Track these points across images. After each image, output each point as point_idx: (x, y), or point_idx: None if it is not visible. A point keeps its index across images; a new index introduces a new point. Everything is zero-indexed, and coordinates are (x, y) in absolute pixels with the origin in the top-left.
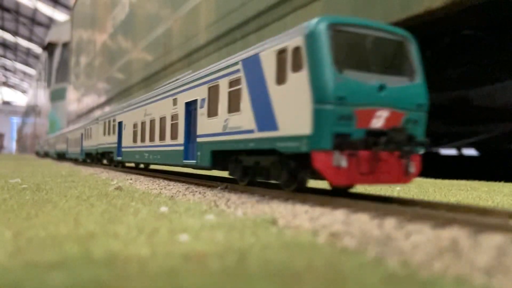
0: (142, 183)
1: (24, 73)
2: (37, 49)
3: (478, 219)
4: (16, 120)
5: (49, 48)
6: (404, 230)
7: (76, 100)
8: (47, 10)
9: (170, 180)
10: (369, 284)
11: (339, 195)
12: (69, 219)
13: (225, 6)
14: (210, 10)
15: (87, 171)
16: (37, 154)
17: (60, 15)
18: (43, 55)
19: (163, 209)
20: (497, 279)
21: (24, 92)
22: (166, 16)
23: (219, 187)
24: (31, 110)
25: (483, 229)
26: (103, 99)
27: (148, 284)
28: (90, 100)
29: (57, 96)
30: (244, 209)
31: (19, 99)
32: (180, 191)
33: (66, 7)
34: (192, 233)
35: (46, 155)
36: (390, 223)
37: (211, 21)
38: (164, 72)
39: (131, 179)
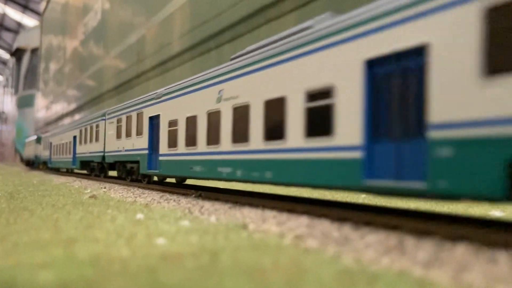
0: (116, 192)
1: None
2: (4, 55)
3: (422, 225)
4: None
5: (17, 54)
6: (360, 231)
7: (44, 107)
8: (15, 15)
9: (145, 188)
10: (325, 277)
11: (305, 202)
12: (48, 225)
13: (200, 16)
14: (185, 19)
15: (58, 180)
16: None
17: (29, 21)
18: (11, 61)
19: (139, 216)
20: (433, 271)
21: None
22: (140, 24)
23: (193, 195)
24: None
25: (428, 231)
26: (73, 106)
27: (131, 280)
28: (60, 107)
29: (24, 103)
30: (217, 215)
31: None
32: (155, 199)
33: (35, 12)
34: (168, 237)
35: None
36: (348, 226)
37: (186, 30)
38: (137, 80)
39: (105, 188)
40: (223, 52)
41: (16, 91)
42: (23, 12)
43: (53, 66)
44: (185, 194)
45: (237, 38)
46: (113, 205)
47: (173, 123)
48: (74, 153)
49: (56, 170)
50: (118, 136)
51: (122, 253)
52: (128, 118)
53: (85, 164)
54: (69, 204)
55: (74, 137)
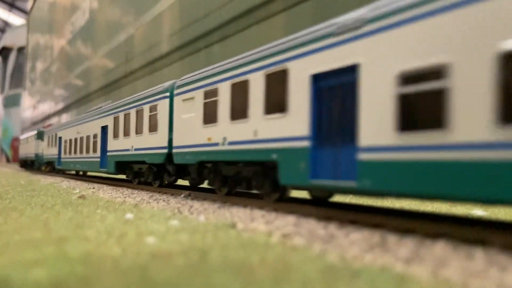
0: (105, 192)
1: None
2: None
3: (404, 223)
4: None
5: (3, 52)
6: (345, 230)
7: (31, 106)
8: (2, 13)
9: (134, 188)
10: (310, 273)
11: (293, 201)
12: (38, 225)
13: (189, 15)
14: (174, 19)
15: (46, 180)
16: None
17: (16, 19)
18: None
19: (129, 216)
20: (413, 267)
21: None
22: (128, 23)
23: (182, 195)
24: None
25: (410, 229)
26: (60, 106)
27: (122, 277)
28: (47, 107)
29: (11, 102)
30: (206, 215)
31: None
32: (144, 199)
33: (22, 11)
34: (158, 236)
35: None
36: (334, 224)
37: (175, 30)
38: (126, 80)
39: (93, 188)
40: (212, 52)
41: (2, 90)
42: (10, 11)
43: (40, 65)
44: (174, 194)
45: (226, 38)
46: (103, 205)
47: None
48: (104, 150)
49: (55, 172)
50: (210, 119)
51: (113, 252)
52: (238, 87)
53: (124, 166)
54: (58, 204)
55: (104, 128)
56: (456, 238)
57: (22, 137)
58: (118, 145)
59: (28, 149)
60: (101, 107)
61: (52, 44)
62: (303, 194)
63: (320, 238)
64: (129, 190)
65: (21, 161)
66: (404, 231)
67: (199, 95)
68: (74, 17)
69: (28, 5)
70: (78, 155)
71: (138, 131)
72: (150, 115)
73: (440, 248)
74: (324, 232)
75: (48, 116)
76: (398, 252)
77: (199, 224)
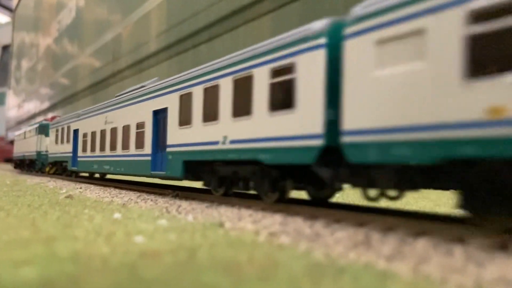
0: (92, 192)
1: None
2: None
3: (388, 221)
4: None
5: None
6: (331, 228)
7: (16, 105)
8: None
9: (122, 188)
10: (297, 270)
11: (280, 201)
12: (26, 224)
13: (177, 15)
14: (161, 19)
15: (32, 180)
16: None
17: (0, 17)
18: None
19: (117, 215)
20: (395, 263)
21: None
22: (116, 22)
23: (170, 195)
24: None
25: (393, 227)
26: (46, 105)
27: (111, 275)
28: (32, 106)
29: None
30: (194, 214)
31: None
32: (132, 199)
33: (7, 8)
34: (147, 235)
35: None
36: (320, 223)
37: (162, 29)
38: (113, 79)
39: (80, 188)
40: (200, 52)
41: None
42: None
43: (25, 64)
44: (162, 194)
45: (214, 38)
46: (90, 205)
47: None
48: (158, 145)
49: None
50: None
51: (102, 250)
52: None
53: (200, 168)
54: (45, 204)
55: (159, 113)
56: (437, 236)
57: (17, 133)
58: (190, 137)
59: (25, 147)
60: (144, 86)
61: (38, 43)
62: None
63: (306, 236)
64: (117, 190)
65: (15, 161)
66: (387, 229)
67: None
68: (60, 15)
69: (13, 3)
70: (109, 152)
71: (240, 111)
72: (273, 83)
73: (421, 246)
74: (310, 231)
75: (34, 115)
76: (381, 250)
77: (187, 224)
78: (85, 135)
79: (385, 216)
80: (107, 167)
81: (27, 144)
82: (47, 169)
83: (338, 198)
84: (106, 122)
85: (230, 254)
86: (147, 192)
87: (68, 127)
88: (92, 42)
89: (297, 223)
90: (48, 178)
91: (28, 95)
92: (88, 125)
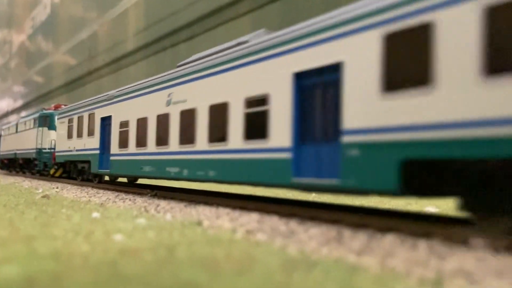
0: (69, 192)
1: None
2: None
3: (359, 219)
4: None
5: None
6: (305, 225)
7: None
8: None
9: (99, 188)
10: (272, 265)
11: (257, 199)
12: (3, 224)
13: (155, 14)
14: (139, 17)
15: (6, 180)
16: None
17: None
18: None
19: (95, 215)
20: (364, 258)
21: None
22: (92, 20)
23: (148, 194)
24: None
25: (364, 224)
26: (19, 103)
27: (92, 272)
28: (5, 104)
29: None
30: (173, 213)
31: None
32: (110, 199)
33: None
34: (126, 233)
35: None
36: (295, 221)
37: (140, 28)
38: (89, 77)
39: (57, 188)
40: (179, 51)
41: None
42: None
43: None
44: (140, 194)
45: (193, 37)
46: (67, 204)
47: None
48: (298, 132)
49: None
50: None
51: (82, 249)
52: None
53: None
54: (21, 204)
55: (308, 77)
56: (404, 232)
57: (4, 127)
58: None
59: (18, 143)
60: (245, 42)
61: (11, 39)
62: (263, 192)
63: (281, 233)
64: (94, 189)
65: (1, 161)
66: (358, 226)
67: None
68: (34, 12)
69: None
70: (177, 148)
71: None
72: None
73: (388, 241)
74: (286, 228)
75: (6, 114)
76: (351, 245)
77: (166, 222)
78: (124, 124)
79: (357, 213)
80: (174, 169)
81: (20, 139)
82: (51, 171)
83: (314, 197)
84: (170, 103)
85: (208, 251)
86: (126, 191)
87: (91, 115)
88: (67, 39)
89: (273, 221)
90: (23, 178)
91: (0, 92)
92: (130, 110)
